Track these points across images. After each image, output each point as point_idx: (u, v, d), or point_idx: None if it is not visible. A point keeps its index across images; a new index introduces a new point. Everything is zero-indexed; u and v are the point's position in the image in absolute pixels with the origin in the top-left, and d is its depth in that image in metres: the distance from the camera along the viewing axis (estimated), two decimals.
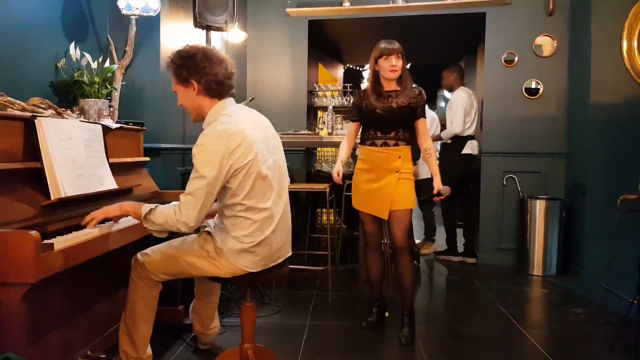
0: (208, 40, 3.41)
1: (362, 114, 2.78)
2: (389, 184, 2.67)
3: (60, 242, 1.57)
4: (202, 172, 1.79)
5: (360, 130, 2.86)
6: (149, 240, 2.54)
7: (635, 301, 2.53)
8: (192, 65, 1.90)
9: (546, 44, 4.38)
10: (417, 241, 5.25)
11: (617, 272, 2.95)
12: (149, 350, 2.11)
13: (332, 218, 4.69)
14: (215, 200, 1.92)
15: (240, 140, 1.83)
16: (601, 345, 2.63)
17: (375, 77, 2.75)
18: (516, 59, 4.44)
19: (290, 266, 2.21)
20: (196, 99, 1.95)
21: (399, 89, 2.74)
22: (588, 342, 2.71)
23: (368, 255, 2.89)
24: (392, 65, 2.66)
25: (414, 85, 2.80)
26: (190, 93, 1.94)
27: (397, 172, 2.68)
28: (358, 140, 2.89)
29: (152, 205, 1.86)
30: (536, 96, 4.42)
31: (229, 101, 2.00)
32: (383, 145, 2.71)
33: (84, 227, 1.83)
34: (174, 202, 1.86)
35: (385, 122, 2.71)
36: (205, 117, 1.98)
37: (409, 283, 2.71)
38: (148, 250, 2.03)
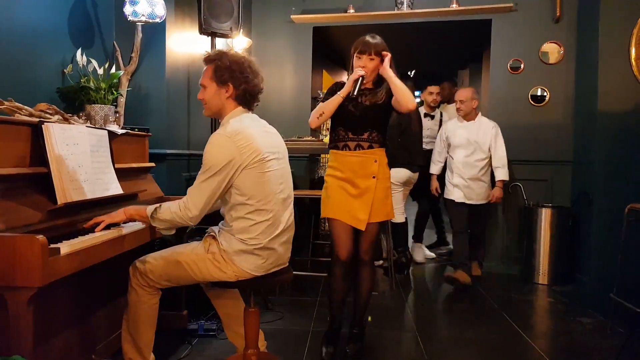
0: (213, 46, 3.43)
1: None
2: (367, 191, 2.44)
3: (67, 247, 1.57)
4: (210, 166, 1.86)
5: (330, 130, 2.61)
6: (154, 245, 2.55)
7: None
8: (238, 71, 1.98)
9: (553, 51, 4.38)
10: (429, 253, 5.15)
11: (624, 281, 2.92)
12: (152, 356, 2.10)
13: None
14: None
15: (249, 140, 1.90)
16: (608, 356, 2.60)
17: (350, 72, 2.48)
18: (522, 66, 4.44)
19: (293, 272, 2.21)
20: (224, 101, 2.02)
21: (371, 87, 2.50)
22: (594, 352, 2.69)
23: (336, 274, 2.53)
24: (361, 67, 2.39)
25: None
26: (221, 93, 2.01)
27: (374, 177, 2.45)
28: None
29: (156, 205, 1.93)
30: (542, 103, 4.41)
31: (247, 111, 2.07)
32: (357, 148, 2.46)
33: (90, 231, 1.83)
34: (177, 200, 1.91)
35: (357, 121, 2.46)
36: (222, 118, 2.05)
37: (366, 296, 2.58)
38: (147, 257, 2.02)
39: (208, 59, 2.04)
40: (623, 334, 2.76)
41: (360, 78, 2.36)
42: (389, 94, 2.43)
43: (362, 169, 2.45)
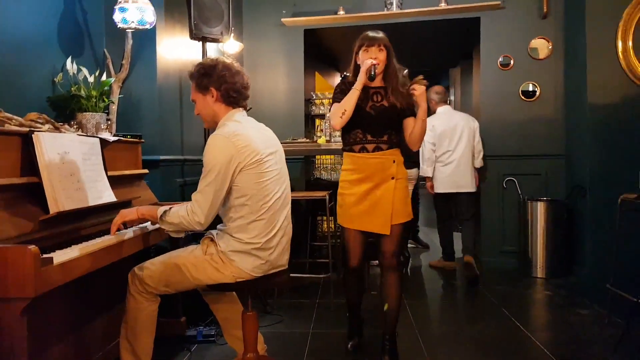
0: (204, 51, 3.43)
1: None
2: (386, 194, 2.37)
3: (60, 256, 1.57)
4: (210, 168, 1.89)
5: (342, 132, 2.51)
6: (150, 252, 2.54)
7: None
8: (213, 74, 2.03)
9: (542, 46, 4.40)
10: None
11: (620, 272, 2.93)
12: None
13: (333, 225, 4.68)
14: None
15: (247, 141, 1.93)
16: (606, 347, 2.61)
17: (356, 71, 2.41)
18: (512, 62, 4.46)
19: (291, 274, 2.21)
20: (213, 106, 2.06)
21: (384, 85, 2.44)
22: (593, 343, 2.70)
23: (349, 282, 2.58)
24: (373, 58, 2.34)
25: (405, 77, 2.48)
26: (208, 100, 2.06)
27: (393, 178, 2.38)
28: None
29: (167, 207, 1.96)
30: (533, 98, 4.43)
31: (241, 111, 2.10)
32: (376, 150, 2.39)
33: (84, 240, 1.83)
34: (187, 202, 1.94)
35: (377, 123, 2.39)
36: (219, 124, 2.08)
37: (396, 305, 2.44)
38: (146, 264, 2.02)
39: (189, 75, 2.11)
40: (621, 324, 2.77)
41: (373, 66, 2.32)
42: (407, 103, 2.41)
43: (381, 171, 2.39)
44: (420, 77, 2.34)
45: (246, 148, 1.91)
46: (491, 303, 3.45)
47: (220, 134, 1.94)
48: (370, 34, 2.41)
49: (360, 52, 2.40)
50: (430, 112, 4.42)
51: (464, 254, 4.24)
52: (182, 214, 1.91)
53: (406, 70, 2.51)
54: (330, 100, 5.34)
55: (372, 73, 2.32)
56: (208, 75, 2.03)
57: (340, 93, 2.45)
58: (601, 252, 3.60)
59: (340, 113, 2.36)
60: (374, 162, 2.39)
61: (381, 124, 2.40)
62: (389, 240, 2.40)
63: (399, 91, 2.40)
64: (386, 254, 2.42)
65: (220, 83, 2.02)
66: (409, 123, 2.43)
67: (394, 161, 2.41)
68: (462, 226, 4.40)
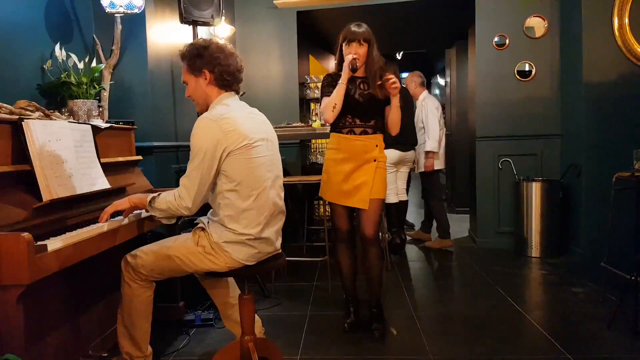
0: (195, 35, 3.39)
1: None
2: (367, 173, 2.56)
3: (54, 243, 1.56)
4: (197, 151, 1.86)
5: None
6: (146, 238, 2.54)
7: (633, 278, 2.54)
8: (207, 56, 1.98)
9: (537, 25, 4.37)
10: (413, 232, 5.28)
11: (614, 249, 2.96)
12: (149, 348, 2.11)
13: (329, 209, 4.69)
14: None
15: (234, 125, 1.89)
16: (600, 324, 2.65)
17: (342, 62, 2.57)
18: (507, 41, 4.43)
19: (289, 258, 2.22)
20: (206, 89, 2.02)
21: (364, 76, 2.61)
22: (587, 320, 2.73)
23: (340, 250, 2.73)
24: (354, 53, 2.51)
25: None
26: (200, 83, 2.01)
27: (374, 160, 2.57)
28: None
29: (155, 194, 1.95)
30: (529, 78, 4.41)
31: (233, 95, 2.06)
32: (362, 134, 2.58)
33: (79, 227, 1.82)
34: (174, 189, 1.92)
35: (365, 109, 2.57)
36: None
37: (378, 276, 2.65)
38: (138, 252, 2.00)
39: (181, 55, 2.06)
40: (615, 301, 2.80)
41: (354, 60, 2.50)
42: (384, 94, 2.56)
43: (364, 153, 2.56)
44: (387, 76, 2.49)
45: (233, 132, 1.87)
46: (487, 283, 3.48)
47: (207, 116, 1.89)
48: (353, 28, 2.55)
49: (344, 46, 2.57)
50: (414, 96, 4.77)
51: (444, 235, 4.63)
52: (170, 199, 1.89)
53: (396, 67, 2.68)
54: None
55: (355, 66, 2.51)
56: (201, 57, 1.98)
57: (328, 86, 2.63)
58: (596, 231, 3.62)
59: (331, 108, 2.53)
60: (359, 144, 2.57)
61: (369, 110, 2.59)
62: (368, 214, 2.57)
63: (376, 83, 2.56)
64: (366, 228, 2.58)
65: (214, 65, 1.97)
66: (388, 110, 2.63)
67: (376, 145, 2.59)
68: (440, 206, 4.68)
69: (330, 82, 2.63)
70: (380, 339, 2.55)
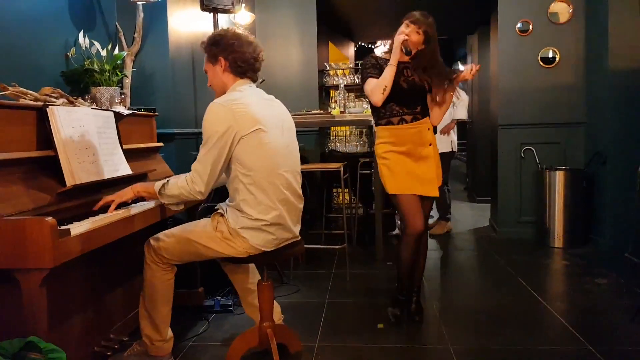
0: (215, 23, 3.40)
1: None
2: (430, 160, 2.52)
3: (77, 228, 1.59)
4: (208, 136, 1.86)
5: (373, 107, 2.58)
6: (167, 223, 2.58)
7: None
8: (222, 44, 2.01)
9: (562, 10, 4.25)
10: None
11: (639, 240, 2.89)
12: (170, 332, 2.15)
13: (348, 197, 4.69)
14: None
15: (244, 109, 1.88)
16: (624, 316, 2.59)
17: (392, 46, 2.49)
18: (531, 27, 4.32)
19: (307, 246, 2.22)
20: (222, 77, 2.04)
21: (409, 61, 2.54)
22: (610, 312, 2.68)
23: (406, 248, 2.52)
24: (406, 34, 2.43)
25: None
26: (217, 70, 2.03)
27: (430, 145, 2.53)
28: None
29: (164, 180, 1.94)
30: (552, 65, 4.31)
31: (248, 83, 2.06)
32: (414, 121, 2.52)
33: (102, 212, 1.86)
34: (184, 174, 1.92)
35: (411, 96, 2.52)
36: None
37: (423, 262, 2.69)
38: (160, 235, 2.04)
39: (201, 45, 2.09)
40: (638, 293, 2.74)
41: (406, 42, 2.42)
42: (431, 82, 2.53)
43: (420, 139, 2.52)
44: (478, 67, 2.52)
45: (244, 116, 1.87)
46: (508, 273, 3.44)
47: (218, 101, 1.90)
48: (418, 14, 2.48)
49: (402, 25, 2.48)
50: None
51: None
52: (182, 185, 1.89)
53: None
54: (347, 72, 5.34)
55: (409, 49, 2.42)
56: (217, 44, 2.01)
57: (372, 67, 2.52)
58: (620, 221, 3.54)
59: (381, 90, 2.44)
60: (413, 131, 2.51)
61: (414, 97, 2.52)
62: (427, 203, 2.58)
63: (436, 72, 2.50)
64: (425, 219, 2.55)
65: (229, 52, 1.98)
66: (431, 100, 2.59)
67: (428, 129, 2.55)
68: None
69: (373, 64, 2.53)
70: (421, 321, 2.59)
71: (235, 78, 2.03)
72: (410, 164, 2.50)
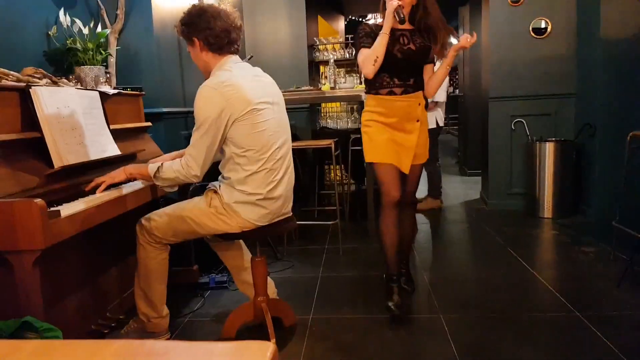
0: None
1: None
2: (412, 136, 2.38)
3: (67, 209, 1.60)
4: (201, 122, 1.85)
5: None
6: (158, 203, 2.58)
7: None
8: (191, 23, 1.96)
9: None
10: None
11: (627, 209, 2.93)
12: (166, 309, 2.17)
13: (339, 173, 4.69)
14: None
15: (236, 92, 1.86)
16: (610, 282, 2.65)
17: (384, 11, 2.31)
18: None
19: (300, 222, 2.23)
20: (202, 57, 2.00)
21: (412, 28, 2.37)
22: (597, 279, 2.74)
23: (387, 219, 2.40)
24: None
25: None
26: (196, 51, 2.00)
27: (418, 121, 2.39)
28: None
29: (158, 163, 1.93)
30: (544, 36, 4.28)
31: (233, 58, 2.02)
32: (404, 94, 2.35)
33: (91, 193, 1.85)
34: (178, 158, 1.93)
35: (405, 67, 2.35)
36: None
37: (410, 234, 2.67)
38: (152, 215, 2.04)
39: (174, 29, 2.05)
40: (625, 260, 2.79)
41: (399, 8, 2.22)
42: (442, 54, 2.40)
43: (408, 113, 2.38)
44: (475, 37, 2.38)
45: (237, 99, 1.84)
46: (498, 244, 3.49)
47: (209, 84, 1.86)
48: None
49: None
50: None
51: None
52: (177, 168, 1.89)
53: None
54: (337, 46, 5.27)
55: (402, 15, 2.22)
56: (188, 25, 1.97)
57: (365, 36, 2.35)
58: (608, 191, 3.58)
59: (372, 61, 2.28)
60: (401, 104, 2.36)
61: (408, 68, 2.36)
62: (411, 178, 2.50)
63: (438, 28, 2.34)
64: (409, 194, 2.52)
65: (200, 30, 1.94)
66: (427, 70, 2.46)
67: (419, 104, 2.41)
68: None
69: (367, 33, 2.35)
70: (412, 292, 2.64)
71: (215, 56, 1.98)
72: (392, 135, 2.38)
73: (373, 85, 2.40)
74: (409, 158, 2.41)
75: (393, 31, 2.30)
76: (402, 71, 2.35)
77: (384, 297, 2.45)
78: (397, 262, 2.48)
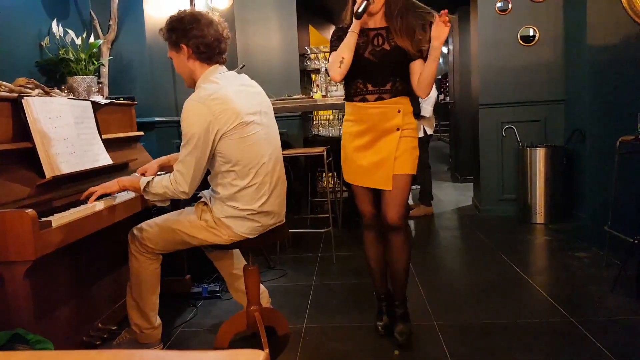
0: (192, 7, 3.34)
1: None
2: (389, 147, 2.08)
3: (58, 219, 1.58)
4: (189, 137, 1.81)
5: (344, 84, 2.20)
6: (151, 213, 2.57)
7: (637, 241, 2.55)
8: (181, 28, 1.90)
9: None
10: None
11: (618, 213, 2.95)
12: (158, 319, 2.15)
13: (332, 181, 4.70)
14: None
15: (224, 105, 1.82)
16: (603, 287, 2.67)
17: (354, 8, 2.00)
18: (510, 6, 4.34)
19: (293, 230, 2.23)
20: (188, 64, 1.95)
21: (385, 25, 2.07)
22: (590, 284, 2.75)
23: (366, 240, 2.29)
24: None
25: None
26: (182, 58, 1.95)
27: (397, 129, 2.07)
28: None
29: (149, 178, 1.92)
30: (532, 43, 4.34)
31: (219, 68, 1.98)
32: (378, 100, 2.08)
33: (82, 203, 1.84)
34: (169, 173, 1.90)
35: (378, 70, 2.06)
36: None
37: (404, 269, 2.19)
38: (143, 225, 2.03)
39: (160, 33, 2.00)
40: (618, 264, 2.81)
41: (368, 3, 1.94)
42: (417, 45, 2.04)
43: (383, 121, 2.08)
44: (445, 11, 1.94)
45: (225, 112, 1.80)
46: (490, 250, 3.50)
47: (195, 99, 1.82)
48: None
49: None
50: None
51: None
52: (166, 184, 1.86)
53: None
54: (328, 55, 5.28)
55: (359, 9, 1.92)
56: (175, 30, 1.90)
57: (337, 40, 2.11)
58: (600, 196, 3.61)
59: (337, 63, 2.03)
60: (375, 112, 2.09)
61: (383, 72, 2.07)
62: (392, 195, 2.10)
63: (409, 28, 2.02)
64: (389, 211, 2.11)
65: (190, 38, 1.88)
66: (416, 66, 2.07)
67: (399, 111, 2.08)
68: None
69: (340, 36, 2.10)
70: (406, 345, 2.13)
71: (202, 65, 1.94)
72: (366, 151, 2.12)
73: (348, 92, 2.18)
74: (388, 171, 2.08)
75: (367, 31, 2.07)
76: (376, 76, 2.08)
77: (375, 315, 2.38)
78: (384, 282, 2.34)
